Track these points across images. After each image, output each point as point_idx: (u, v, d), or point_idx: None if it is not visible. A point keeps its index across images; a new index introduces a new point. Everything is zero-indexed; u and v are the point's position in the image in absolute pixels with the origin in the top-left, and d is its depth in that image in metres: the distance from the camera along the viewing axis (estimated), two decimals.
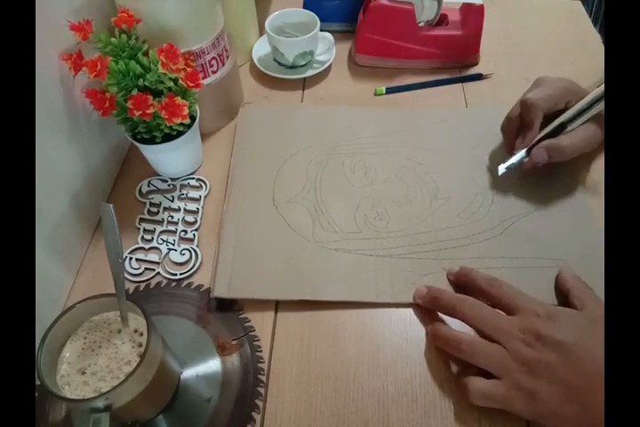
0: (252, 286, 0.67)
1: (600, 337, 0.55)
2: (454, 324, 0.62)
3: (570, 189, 0.77)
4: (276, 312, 0.66)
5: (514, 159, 0.75)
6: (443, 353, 0.62)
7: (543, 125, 0.74)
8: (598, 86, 0.72)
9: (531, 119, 0.73)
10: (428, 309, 0.65)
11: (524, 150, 0.74)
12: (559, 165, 0.75)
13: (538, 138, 0.74)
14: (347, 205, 0.75)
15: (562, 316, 0.58)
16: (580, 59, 0.98)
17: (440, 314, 0.65)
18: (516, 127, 0.76)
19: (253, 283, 0.67)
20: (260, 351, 0.63)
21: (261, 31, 1.00)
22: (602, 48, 0.99)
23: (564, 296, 0.65)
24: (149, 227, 0.74)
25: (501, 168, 0.76)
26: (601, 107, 0.71)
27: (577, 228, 0.73)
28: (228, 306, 0.66)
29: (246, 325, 0.65)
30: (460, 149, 0.82)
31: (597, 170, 0.79)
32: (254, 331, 0.64)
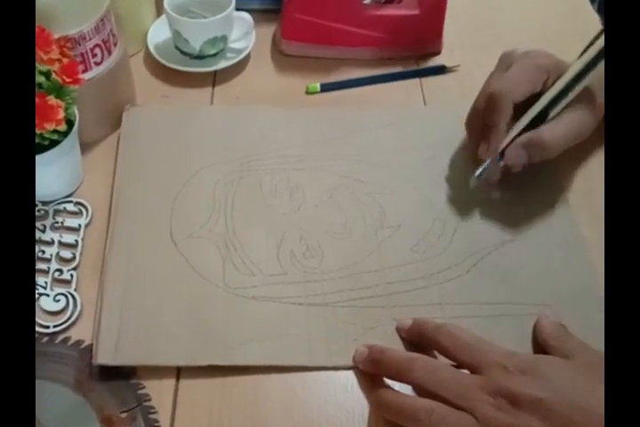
0: (146, 348, 0.67)
1: (595, 390, 0.56)
2: (407, 389, 0.64)
3: (556, 208, 0.80)
4: (177, 380, 0.67)
5: (485, 165, 0.78)
6: None
7: (518, 116, 0.76)
8: (580, 57, 0.73)
9: (497, 116, 0.75)
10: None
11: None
12: (543, 172, 0.79)
13: (514, 135, 0.75)
14: (267, 239, 0.76)
15: (539, 367, 0.59)
16: (574, 46, 0.96)
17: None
18: (480, 126, 0.78)
19: (148, 344, 0.68)
20: None
21: (159, 10, 1.01)
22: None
23: (540, 349, 0.67)
24: None
25: (473, 180, 0.79)
26: (588, 81, 0.73)
27: (566, 262, 0.75)
28: (115, 370, 0.66)
29: (140, 393, 0.65)
30: (411, 162, 0.84)
31: (593, 178, 0.82)
32: (150, 401, 0.65)
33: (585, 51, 0.73)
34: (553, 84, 0.75)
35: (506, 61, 0.79)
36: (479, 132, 0.78)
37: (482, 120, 0.77)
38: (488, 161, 0.77)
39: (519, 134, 0.75)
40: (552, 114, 0.75)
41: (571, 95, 0.74)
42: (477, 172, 0.78)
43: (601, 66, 0.71)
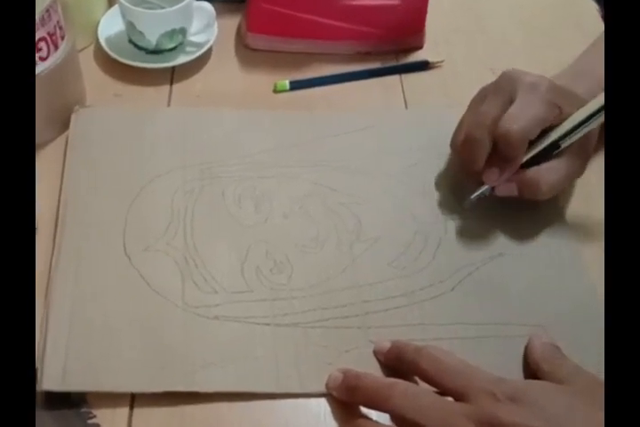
0: (96, 373, 0.67)
1: (593, 418, 0.56)
2: (386, 419, 0.64)
3: (550, 219, 0.81)
4: (131, 408, 0.67)
5: (483, 189, 0.79)
6: None
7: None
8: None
9: (513, 155, 0.75)
10: None
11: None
12: None
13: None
14: (230, 253, 0.77)
15: (530, 394, 0.60)
16: (570, 40, 1.01)
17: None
18: (487, 153, 0.77)
19: (99, 369, 0.67)
20: None
21: (111, 0, 1.01)
22: (601, 25, 1.04)
23: (532, 373, 0.68)
24: None
25: (468, 202, 0.80)
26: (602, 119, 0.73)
27: (561, 278, 0.77)
28: (62, 397, 0.66)
29: (90, 422, 0.65)
30: (390, 169, 0.85)
31: (592, 183, 0.84)
32: None
33: None
34: (566, 116, 0.76)
35: (507, 87, 0.77)
36: (482, 161, 0.77)
37: (487, 151, 0.76)
38: (486, 186, 0.78)
39: (524, 164, 0.77)
40: (564, 146, 0.76)
41: (587, 128, 0.74)
42: (475, 194, 0.79)
43: None
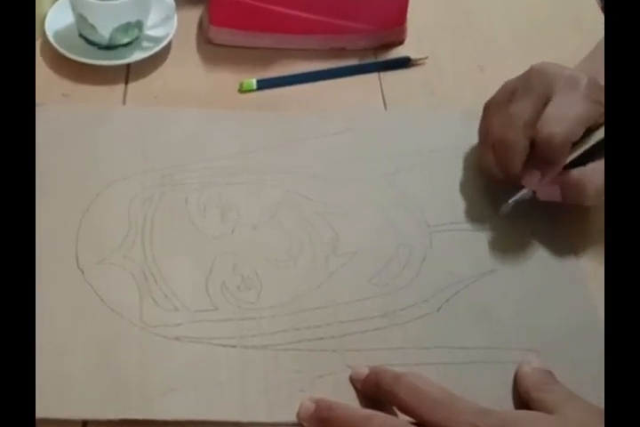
0: (45, 398, 0.66)
1: None
2: None
3: (547, 232, 0.82)
4: None
5: (522, 193, 0.79)
6: None
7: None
8: None
9: (556, 158, 0.75)
10: None
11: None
12: None
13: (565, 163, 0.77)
14: (193, 267, 0.77)
15: (519, 425, 0.60)
16: (567, 36, 1.04)
17: None
18: (524, 156, 0.77)
19: (48, 393, 0.67)
20: None
21: None
22: (601, 19, 1.05)
23: (523, 403, 0.68)
24: None
25: (506, 206, 0.80)
26: None
27: (559, 298, 0.77)
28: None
29: None
30: (370, 176, 0.86)
31: None
32: None
33: None
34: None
35: (540, 84, 0.77)
36: (514, 161, 0.77)
37: (525, 153, 0.76)
38: (526, 189, 0.79)
39: (567, 164, 0.77)
40: None
41: None
42: (512, 199, 0.80)
43: None
